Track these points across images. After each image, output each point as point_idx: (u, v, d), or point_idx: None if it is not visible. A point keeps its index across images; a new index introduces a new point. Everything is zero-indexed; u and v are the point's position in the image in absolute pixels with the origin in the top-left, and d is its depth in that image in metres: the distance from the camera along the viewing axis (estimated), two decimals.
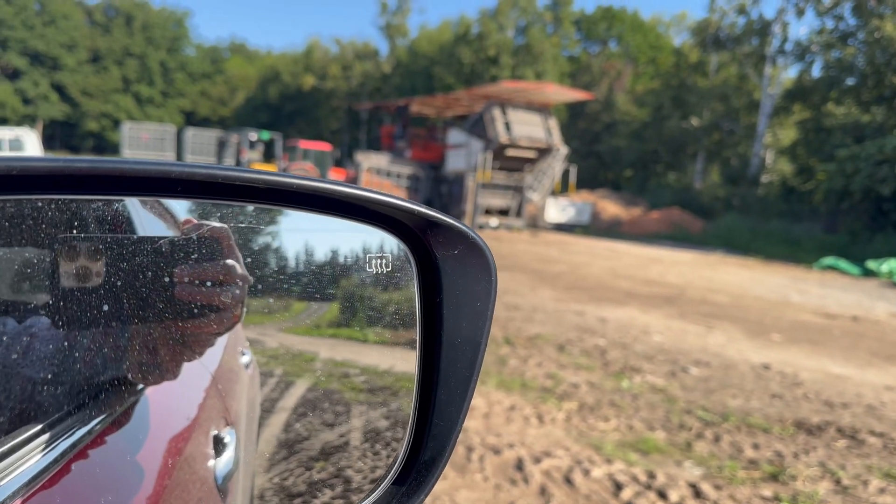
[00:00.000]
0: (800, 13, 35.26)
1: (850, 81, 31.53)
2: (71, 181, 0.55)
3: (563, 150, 25.28)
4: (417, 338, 0.78)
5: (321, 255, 0.73)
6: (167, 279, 0.60)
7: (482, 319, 0.75)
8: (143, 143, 32.76)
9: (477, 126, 24.01)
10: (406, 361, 0.80)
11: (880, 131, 27.49)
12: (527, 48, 46.27)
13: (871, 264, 18.22)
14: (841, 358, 7.51)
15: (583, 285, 11.98)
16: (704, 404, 5.13)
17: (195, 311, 0.61)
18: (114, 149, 57.06)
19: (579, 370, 5.97)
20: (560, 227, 27.49)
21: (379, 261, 0.76)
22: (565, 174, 27.49)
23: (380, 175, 24.65)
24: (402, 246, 0.76)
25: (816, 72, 34.98)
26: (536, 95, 24.52)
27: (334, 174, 30.74)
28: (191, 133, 33.45)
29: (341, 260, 0.74)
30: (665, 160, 39.15)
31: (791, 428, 4.72)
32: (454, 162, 25.00)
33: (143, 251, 0.59)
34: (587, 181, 36.70)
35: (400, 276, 0.78)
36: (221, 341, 0.68)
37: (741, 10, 37.01)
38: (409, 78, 52.04)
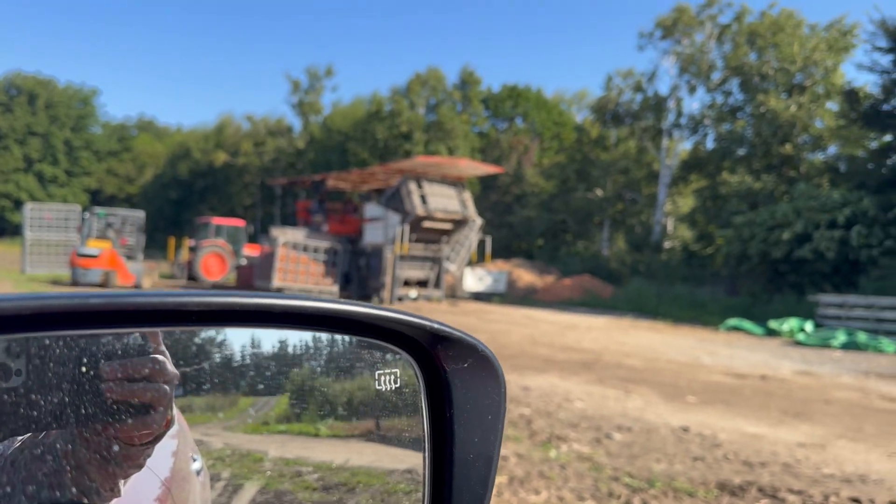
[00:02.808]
0: (692, 89, 38.04)
1: (741, 152, 33.95)
2: (83, 317, 0.54)
3: (478, 221, 25.81)
4: (426, 455, 0.75)
5: (268, 346, 0.69)
6: (94, 377, 0.56)
7: (494, 434, 0.73)
8: (47, 225, 31.31)
9: (393, 200, 24.27)
10: (361, 454, 0.77)
11: (771, 197, 29.54)
12: (438, 125, 47.64)
13: (773, 324, 19.08)
14: (754, 417, 7.75)
15: (504, 353, 12.06)
16: (630, 470, 5.19)
17: (125, 414, 0.58)
18: (15, 230, 54.22)
19: (507, 441, 5.94)
20: (478, 296, 27.78)
21: (388, 377, 0.75)
22: (481, 244, 28.01)
23: (297, 250, 24.36)
24: (410, 360, 0.75)
25: (710, 143, 37.62)
26: (450, 170, 25.11)
27: (248, 250, 30.15)
28: (29, 207, 32.32)
29: (290, 350, 0.71)
30: (573, 229, 40.58)
31: (715, 490, 4.80)
32: (372, 235, 25.07)
33: (69, 347, 0.56)
34: (501, 251, 37.47)
35: (407, 393, 0.76)
36: (169, 447, 0.65)
37: (637, 88, 39.56)
38: (323, 153, 52.37)
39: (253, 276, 25.78)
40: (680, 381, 10.21)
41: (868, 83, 28.71)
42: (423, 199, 23.75)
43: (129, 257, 25.56)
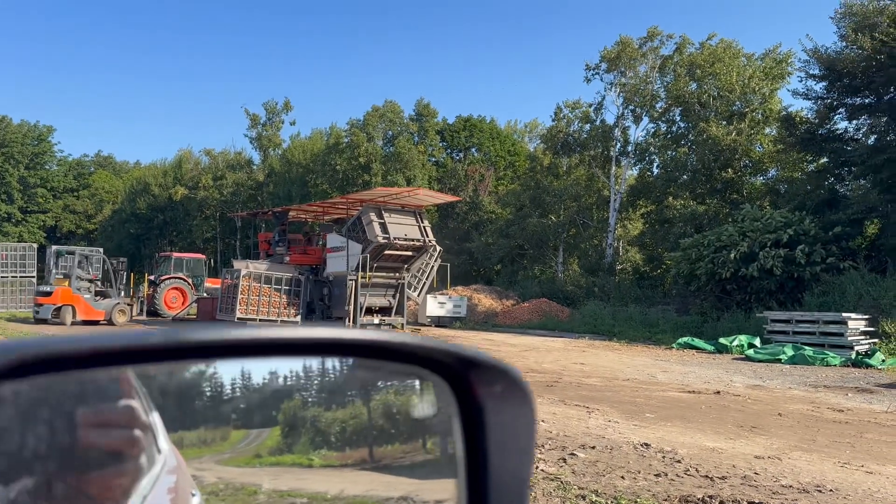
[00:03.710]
0: (636, 119, 39.52)
1: (685, 177, 35.23)
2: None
3: (438, 248, 26.49)
4: (462, 476, 0.75)
5: (258, 378, 0.69)
6: (68, 423, 0.57)
7: (527, 455, 0.74)
8: (2, 263, 30.96)
9: (354, 229, 24.77)
10: (356, 484, 0.75)
11: (716, 219, 30.74)
12: (396, 155, 48.46)
13: (724, 341, 19.66)
14: (711, 431, 7.98)
15: None
16: (596, 489, 5.24)
17: (98, 462, 0.57)
18: None
19: None
20: (440, 322, 28.43)
21: (424, 403, 0.79)
22: (441, 270, 28.71)
23: (259, 281, 24.66)
24: (444, 386, 0.76)
25: (656, 170, 39.03)
26: (409, 199, 25.77)
27: (210, 283, 30.28)
28: None
29: (281, 382, 0.70)
30: (530, 254, 41.46)
31: None
32: (334, 265, 25.48)
33: (42, 391, 0.55)
34: (461, 277, 38.17)
35: (436, 417, 0.78)
36: (167, 483, 0.64)
37: (585, 118, 40.94)
38: (283, 185, 52.66)
39: (215, 308, 25.91)
40: (638, 399, 10.46)
41: (804, 109, 30.13)
42: (384, 227, 24.32)
43: (101, 294, 25.38)
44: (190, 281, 29.88)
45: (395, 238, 24.21)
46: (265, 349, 0.66)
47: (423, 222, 25.90)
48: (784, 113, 31.25)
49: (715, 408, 9.87)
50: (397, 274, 25.50)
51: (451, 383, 0.76)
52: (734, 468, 6.10)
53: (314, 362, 0.71)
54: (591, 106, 40.53)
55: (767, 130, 33.86)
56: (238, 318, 23.57)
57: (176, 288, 29.37)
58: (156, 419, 0.64)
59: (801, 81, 28.74)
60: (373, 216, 24.31)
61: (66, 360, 0.54)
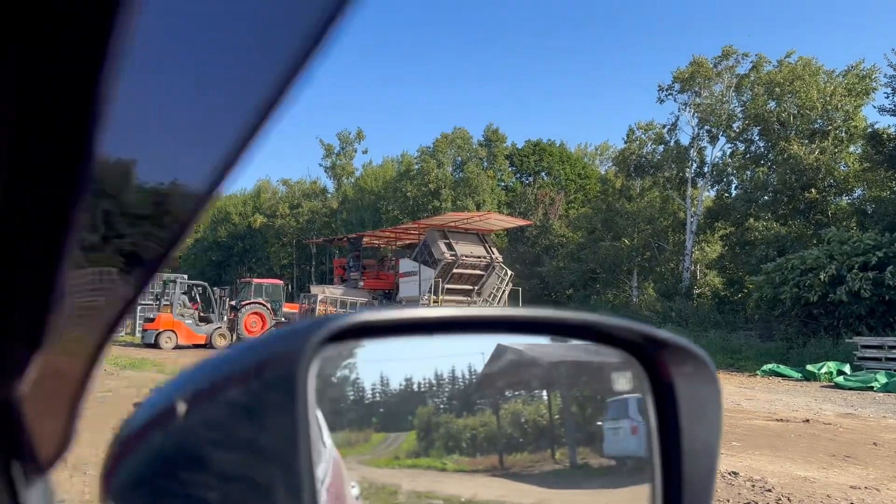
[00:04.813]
0: (712, 139, 38.72)
1: (765, 198, 34.22)
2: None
3: (508, 271, 26.46)
4: (655, 448, 0.82)
5: (396, 383, 0.74)
6: None
7: (717, 428, 0.81)
8: None
9: (423, 253, 25.09)
10: (486, 487, 0.80)
11: (799, 242, 29.66)
12: (465, 181, 48.85)
13: (811, 367, 18.98)
14: (802, 460, 7.76)
15: None
16: None
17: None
18: None
19: None
20: None
21: (622, 378, 0.86)
22: (512, 295, 28.59)
23: (335, 305, 25.16)
24: (635, 363, 0.84)
25: (734, 191, 38.02)
26: (479, 223, 25.93)
27: (287, 308, 31.05)
28: None
29: (415, 388, 0.75)
30: (603, 278, 40.86)
31: None
32: (406, 289, 25.80)
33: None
34: (532, 301, 37.88)
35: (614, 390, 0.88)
36: (338, 473, 0.71)
37: (658, 139, 40.35)
38: (356, 212, 53.85)
39: None
40: (724, 427, 10.33)
41: (891, 126, 29.15)
42: (450, 246, 24.66)
43: (204, 319, 27.53)
44: (269, 306, 30.70)
45: (461, 255, 24.45)
46: (489, 326, 0.78)
47: (487, 243, 26.08)
48: (870, 130, 30.02)
49: (805, 436, 9.56)
50: (468, 298, 25.58)
51: (642, 362, 0.83)
52: (829, 498, 5.90)
53: (446, 369, 0.77)
54: (664, 127, 40.08)
55: (852, 149, 32.71)
56: None
57: (256, 313, 30.22)
58: (319, 414, 0.69)
59: (887, 97, 27.67)
60: (438, 238, 24.65)
61: (375, 328, 0.67)
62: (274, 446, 0.51)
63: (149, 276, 0.48)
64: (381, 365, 0.72)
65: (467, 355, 0.78)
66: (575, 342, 0.86)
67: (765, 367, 20.33)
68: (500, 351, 0.80)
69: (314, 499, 0.51)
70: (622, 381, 0.87)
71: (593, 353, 0.88)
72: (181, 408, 0.53)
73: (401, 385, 0.74)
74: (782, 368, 19.92)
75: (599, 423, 0.89)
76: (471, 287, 25.71)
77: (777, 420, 11.19)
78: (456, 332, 0.76)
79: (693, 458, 0.79)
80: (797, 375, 19.15)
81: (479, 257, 25.19)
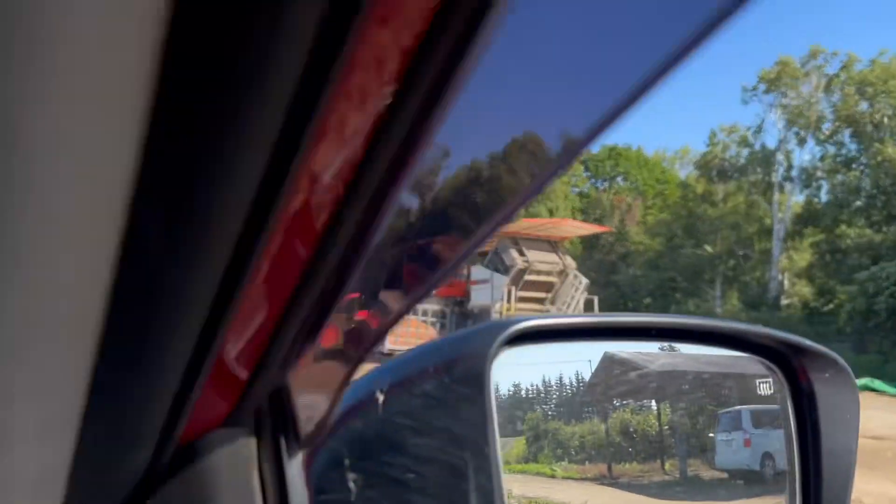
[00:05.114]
0: (801, 142, 37.03)
1: (858, 203, 32.58)
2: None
3: (583, 279, 25.94)
4: (794, 449, 0.85)
5: (504, 389, 0.75)
6: None
7: (854, 430, 0.84)
8: None
9: (494, 260, 24.97)
10: (596, 496, 0.79)
11: (895, 249, 28.09)
12: None
13: None
14: None
15: None
16: None
17: None
18: None
19: None
20: None
21: (765, 384, 0.88)
22: (587, 304, 27.95)
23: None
24: (776, 370, 0.86)
25: (824, 196, 36.27)
26: (554, 231, 25.63)
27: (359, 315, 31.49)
28: None
29: (523, 394, 0.76)
30: (683, 287, 39.66)
31: None
32: (478, 297, 25.64)
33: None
34: (608, 310, 37.10)
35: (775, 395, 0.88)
36: None
37: (743, 142, 38.89)
38: None
39: None
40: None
41: None
42: (521, 252, 24.55)
43: None
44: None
45: (533, 261, 24.29)
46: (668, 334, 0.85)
47: (559, 250, 25.85)
48: None
49: None
50: (541, 306, 25.19)
51: (782, 368, 0.86)
52: None
53: (553, 376, 0.78)
54: (749, 129, 38.66)
55: None
56: (388, 350, 24.20)
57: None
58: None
59: None
60: (509, 246, 24.56)
61: (549, 333, 0.75)
62: (466, 434, 0.58)
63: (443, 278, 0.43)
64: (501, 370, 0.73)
65: (573, 363, 0.77)
66: (687, 350, 0.88)
67: (859, 382, 19.17)
68: (607, 359, 0.80)
69: (500, 480, 0.57)
70: (765, 386, 0.89)
71: (713, 363, 0.90)
72: (380, 398, 0.59)
73: (509, 391, 0.75)
74: (877, 383, 18.93)
75: (711, 434, 0.89)
76: (544, 295, 25.32)
77: (872, 437, 10.68)
78: (610, 339, 0.79)
79: (832, 460, 0.81)
80: (893, 391, 18.27)
81: (552, 263, 24.92)
